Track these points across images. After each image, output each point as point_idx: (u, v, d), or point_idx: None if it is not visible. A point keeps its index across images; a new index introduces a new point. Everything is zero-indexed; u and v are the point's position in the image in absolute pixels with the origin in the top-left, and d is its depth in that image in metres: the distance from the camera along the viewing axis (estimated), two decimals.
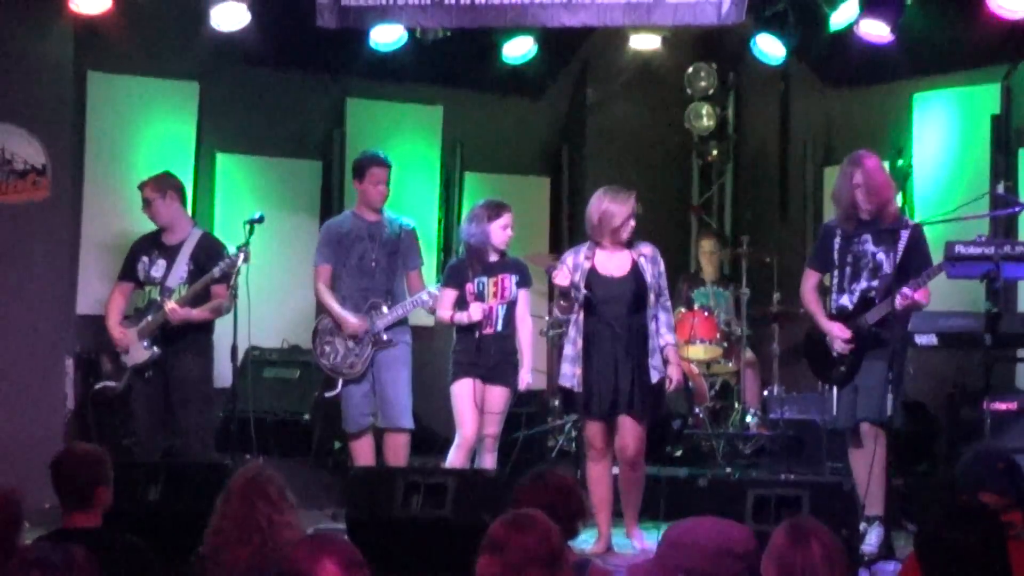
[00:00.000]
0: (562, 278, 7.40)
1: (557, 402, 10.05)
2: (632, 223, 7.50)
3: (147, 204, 8.40)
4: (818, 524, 3.52)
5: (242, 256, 7.99)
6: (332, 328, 8.36)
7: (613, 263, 7.56)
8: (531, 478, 4.86)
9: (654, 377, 7.48)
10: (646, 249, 7.62)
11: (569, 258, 7.62)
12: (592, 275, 7.52)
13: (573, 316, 7.54)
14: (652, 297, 7.52)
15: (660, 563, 3.40)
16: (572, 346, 7.53)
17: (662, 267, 7.65)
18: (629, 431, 7.47)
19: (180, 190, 8.54)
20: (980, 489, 5.26)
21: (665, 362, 7.53)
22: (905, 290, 7.17)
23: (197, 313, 8.25)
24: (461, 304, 7.96)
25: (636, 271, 7.53)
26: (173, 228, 8.41)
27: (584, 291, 7.45)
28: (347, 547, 3.45)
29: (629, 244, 7.58)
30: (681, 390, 8.09)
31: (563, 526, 4.06)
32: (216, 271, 8.11)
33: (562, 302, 7.58)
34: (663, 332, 7.54)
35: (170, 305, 8.17)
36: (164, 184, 8.47)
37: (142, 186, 8.44)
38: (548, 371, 10.63)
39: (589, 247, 7.58)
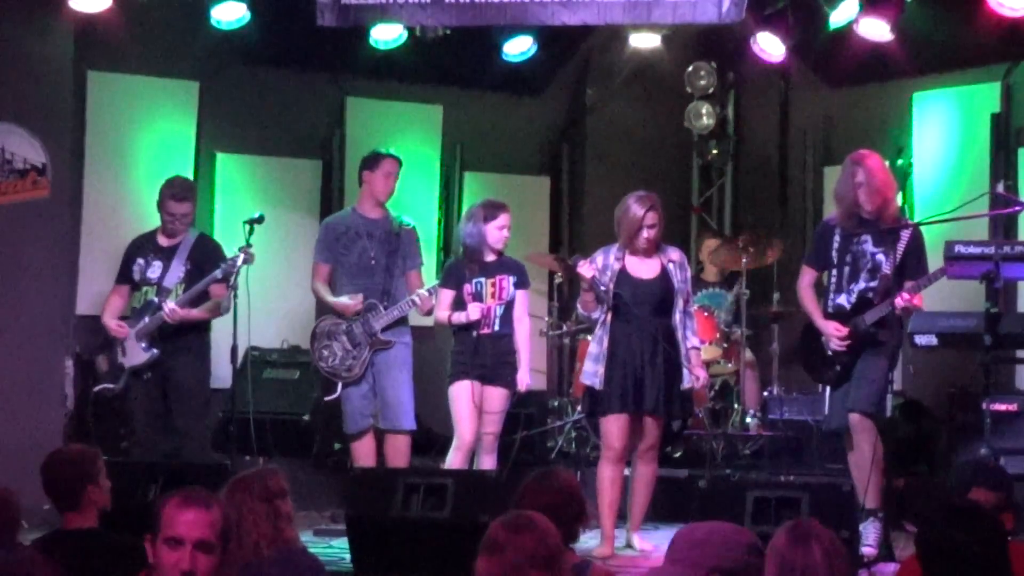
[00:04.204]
0: (586, 269, 7.46)
1: (557, 403, 10.08)
2: (646, 234, 7.51)
3: (185, 216, 8.35)
4: (819, 525, 3.53)
5: (243, 257, 8.00)
6: (330, 331, 8.35)
7: (643, 266, 7.61)
8: (535, 478, 4.86)
9: (687, 381, 7.54)
10: (674, 255, 7.68)
11: (599, 257, 7.64)
12: (622, 276, 7.56)
13: (599, 316, 7.56)
14: (680, 302, 7.59)
15: (682, 563, 3.38)
16: (598, 345, 7.58)
17: (689, 273, 7.77)
18: (649, 427, 7.54)
19: None
20: (971, 487, 5.28)
21: (689, 364, 7.58)
22: (905, 294, 7.18)
23: (196, 313, 8.25)
24: (459, 304, 7.96)
25: (665, 275, 7.59)
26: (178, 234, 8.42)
27: (608, 290, 7.48)
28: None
29: (657, 249, 7.61)
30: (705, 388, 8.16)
31: (564, 528, 4.07)
32: (219, 272, 8.11)
33: (585, 297, 7.60)
34: (688, 336, 7.60)
35: (169, 306, 8.17)
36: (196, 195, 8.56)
37: (188, 200, 8.38)
38: (548, 372, 10.63)
39: (619, 248, 7.62)
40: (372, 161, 8.48)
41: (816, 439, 9.01)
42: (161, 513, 3.83)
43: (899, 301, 7.19)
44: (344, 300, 8.28)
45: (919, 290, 7.27)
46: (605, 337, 7.55)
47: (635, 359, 7.48)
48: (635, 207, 7.54)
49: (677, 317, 7.57)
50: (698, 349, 7.74)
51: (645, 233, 7.52)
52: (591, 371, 7.58)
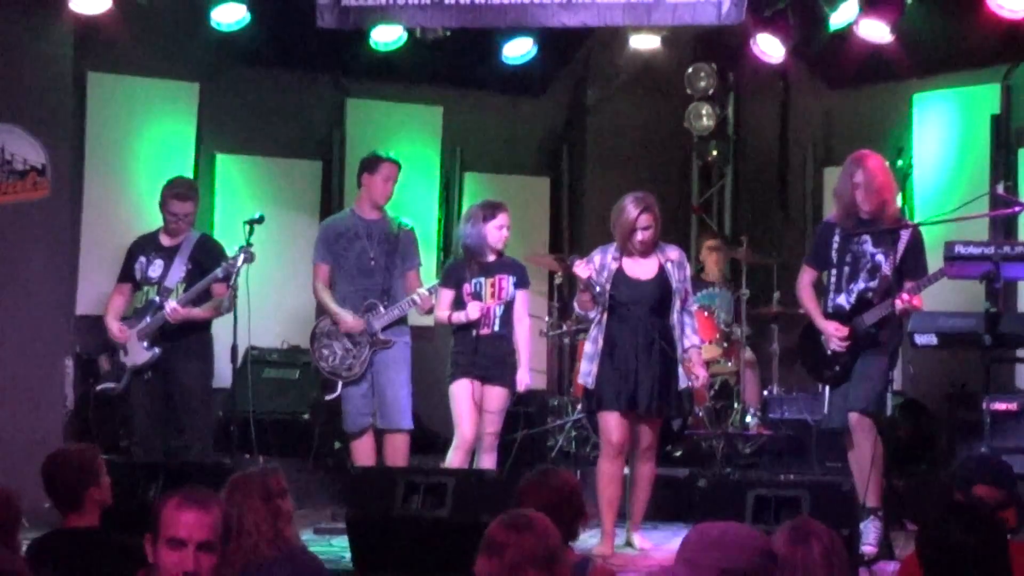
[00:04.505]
0: (582, 269, 7.45)
1: (557, 402, 10.08)
2: (641, 236, 7.47)
3: (188, 216, 8.35)
4: (819, 525, 3.53)
5: (243, 256, 8.00)
6: (330, 331, 8.35)
7: (640, 266, 7.57)
8: (535, 477, 4.86)
9: (683, 381, 7.51)
10: (673, 254, 7.63)
11: (597, 257, 7.62)
12: (618, 276, 7.53)
13: (595, 316, 7.54)
14: (678, 302, 7.55)
15: (694, 563, 3.38)
16: (592, 344, 7.56)
17: (688, 271, 7.71)
18: (645, 429, 7.52)
19: None
20: (974, 483, 5.28)
21: (689, 362, 7.56)
22: (904, 295, 7.18)
23: (198, 312, 8.25)
24: (459, 304, 7.96)
25: (662, 275, 7.55)
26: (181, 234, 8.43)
27: (604, 290, 7.45)
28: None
29: (655, 248, 7.57)
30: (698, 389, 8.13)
31: (563, 527, 4.06)
32: (219, 271, 8.11)
33: (582, 296, 7.59)
34: (689, 335, 7.57)
35: (171, 305, 8.18)
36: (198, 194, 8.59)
37: (191, 199, 8.39)
38: (547, 371, 10.63)
39: (617, 248, 7.58)
40: (371, 165, 8.47)
41: (816, 439, 9.01)
42: (160, 513, 3.82)
43: (899, 302, 7.19)
44: (348, 320, 8.26)
45: (919, 291, 7.27)
46: (600, 337, 7.53)
47: (630, 359, 7.45)
48: (629, 208, 7.50)
49: (675, 317, 7.55)
50: (699, 348, 7.72)
51: (639, 235, 7.48)
52: (586, 370, 7.58)
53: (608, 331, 7.51)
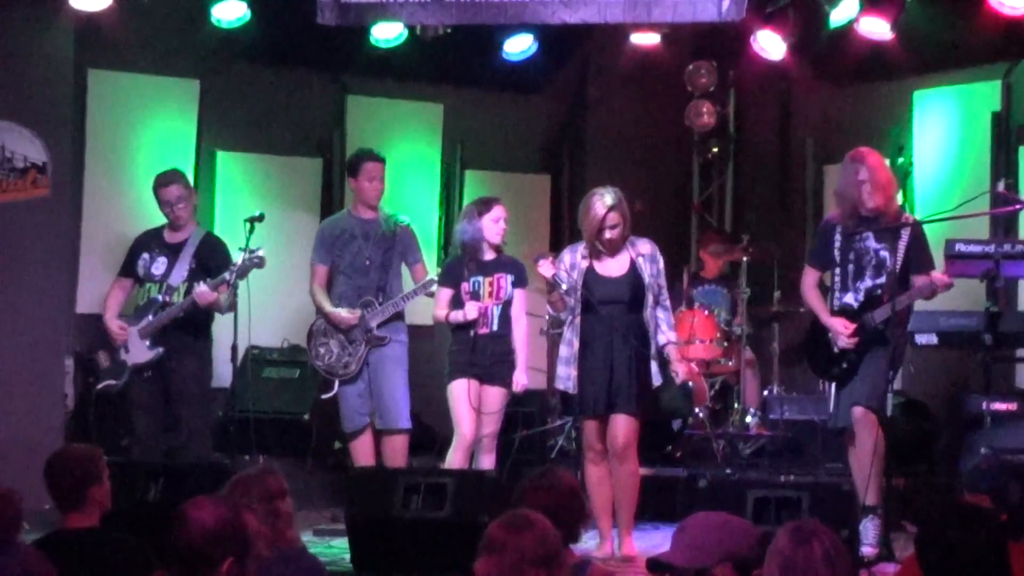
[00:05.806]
0: (545, 268, 7.33)
1: (556, 402, 10.07)
2: (608, 235, 7.32)
3: (179, 200, 8.32)
4: (821, 525, 3.52)
5: (242, 258, 7.98)
6: (326, 329, 8.35)
7: (611, 263, 7.43)
8: (535, 478, 4.85)
9: (657, 380, 7.38)
10: (644, 248, 7.47)
11: (567, 256, 7.49)
12: (590, 274, 7.40)
13: (567, 316, 7.48)
14: (650, 297, 7.40)
15: (697, 547, 3.38)
16: (568, 347, 7.44)
17: (661, 265, 7.50)
18: (620, 426, 7.32)
19: None
20: (965, 490, 5.29)
21: (667, 361, 7.43)
22: (935, 275, 7.13)
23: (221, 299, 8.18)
24: (457, 303, 7.93)
25: (634, 270, 7.41)
26: (182, 226, 8.39)
27: (575, 288, 7.36)
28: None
29: (624, 243, 7.43)
30: (682, 388, 8.04)
31: (565, 529, 4.07)
32: (228, 274, 8.05)
33: (552, 296, 7.52)
34: (664, 330, 7.42)
35: (200, 289, 8.06)
36: (189, 182, 8.56)
37: (173, 181, 8.36)
38: (547, 371, 10.63)
39: (587, 246, 7.46)
40: (353, 168, 8.44)
41: (817, 439, 9.01)
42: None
43: (936, 281, 7.11)
44: (343, 314, 8.25)
45: (923, 294, 7.25)
46: (575, 339, 7.39)
47: (606, 360, 7.32)
48: (596, 206, 7.33)
49: (648, 312, 7.40)
50: (675, 344, 7.51)
51: (607, 234, 7.32)
52: (564, 375, 7.42)
53: (583, 332, 7.39)
